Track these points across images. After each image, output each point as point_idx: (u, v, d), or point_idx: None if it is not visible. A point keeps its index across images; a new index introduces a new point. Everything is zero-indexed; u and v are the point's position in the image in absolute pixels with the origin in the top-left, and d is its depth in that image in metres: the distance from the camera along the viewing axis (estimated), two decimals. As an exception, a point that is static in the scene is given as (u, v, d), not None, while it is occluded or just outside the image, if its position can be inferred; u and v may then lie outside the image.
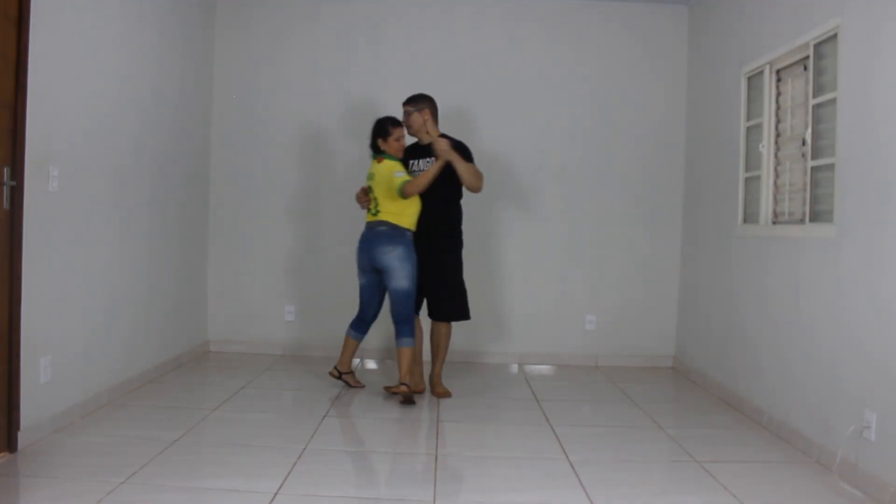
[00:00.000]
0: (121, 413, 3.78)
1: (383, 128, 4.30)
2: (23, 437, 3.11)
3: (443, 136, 4.32)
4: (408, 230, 4.23)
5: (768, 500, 2.91)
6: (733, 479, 3.08)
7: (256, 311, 5.55)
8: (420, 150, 4.37)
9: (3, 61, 2.95)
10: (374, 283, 4.35)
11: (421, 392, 4.42)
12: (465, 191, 4.34)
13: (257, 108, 5.52)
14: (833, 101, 3.41)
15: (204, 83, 5.36)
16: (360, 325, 4.47)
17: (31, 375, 3.19)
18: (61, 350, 3.45)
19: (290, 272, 5.55)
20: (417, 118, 4.31)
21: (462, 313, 4.39)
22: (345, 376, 4.50)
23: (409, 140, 4.43)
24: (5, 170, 2.99)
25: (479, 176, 4.26)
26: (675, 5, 5.47)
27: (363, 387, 4.52)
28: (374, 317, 4.48)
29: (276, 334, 5.54)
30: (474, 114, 5.45)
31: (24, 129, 3.06)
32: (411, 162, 4.36)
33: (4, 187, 2.99)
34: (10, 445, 3.05)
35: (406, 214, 4.22)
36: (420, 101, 4.33)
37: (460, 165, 4.20)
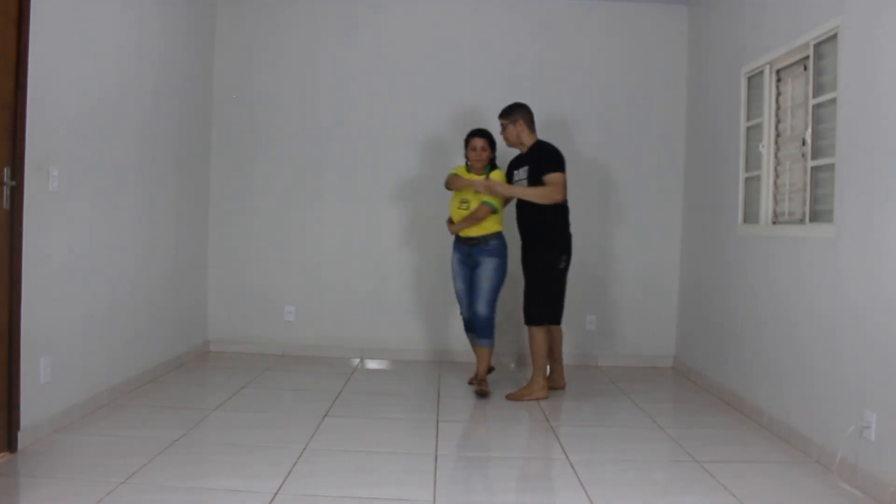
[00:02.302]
0: (121, 413, 3.78)
1: (466, 140, 4.51)
2: (23, 437, 3.11)
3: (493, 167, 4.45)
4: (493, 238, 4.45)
5: (768, 500, 2.91)
6: (733, 478, 3.08)
7: (256, 311, 5.55)
8: (519, 160, 4.45)
9: (3, 61, 2.95)
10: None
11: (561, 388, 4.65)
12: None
13: (257, 107, 5.52)
14: (833, 101, 3.41)
15: (204, 82, 5.36)
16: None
17: (31, 375, 3.19)
18: (61, 350, 3.45)
19: (290, 272, 5.55)
20: (511, 130, 4.38)
21: (529, 317, 4.40)
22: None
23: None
24: (5, 170, 2.99)
25: (539, 194, 4.24)
26: (675, 5, 5.47)
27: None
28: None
29: (276, 334, 5.53)
30: (473, 113, 5.44)
31: (24, 129, 3.06)
32: (513, 172, 4.45)
33: (4, 187, 2.99)
34: (10, 445, 3.05)
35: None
36: (513, 113, 4.38)
37: (515, 192, 4.30)
